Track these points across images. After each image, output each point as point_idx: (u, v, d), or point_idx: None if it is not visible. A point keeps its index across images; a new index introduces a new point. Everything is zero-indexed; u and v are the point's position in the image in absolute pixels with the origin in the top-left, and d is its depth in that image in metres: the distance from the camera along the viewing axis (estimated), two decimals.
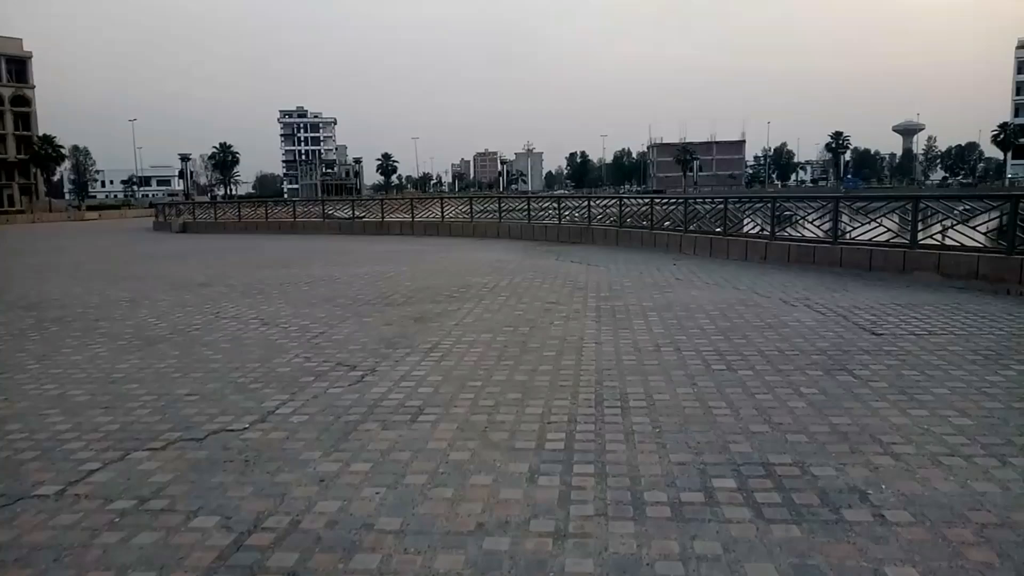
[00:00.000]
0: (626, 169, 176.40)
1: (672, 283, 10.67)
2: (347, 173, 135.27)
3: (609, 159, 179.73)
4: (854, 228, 11.24)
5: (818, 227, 12.42)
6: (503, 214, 22.24)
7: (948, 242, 10.00)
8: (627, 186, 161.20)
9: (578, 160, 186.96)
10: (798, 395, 4.87)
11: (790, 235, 12.57)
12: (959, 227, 10.28)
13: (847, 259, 11.05)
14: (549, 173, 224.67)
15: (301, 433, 4.38)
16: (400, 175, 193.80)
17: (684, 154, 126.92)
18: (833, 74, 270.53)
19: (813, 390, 4.98)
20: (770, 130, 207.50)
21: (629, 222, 17.57)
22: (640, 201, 17.92)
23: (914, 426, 4.21)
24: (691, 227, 15.24)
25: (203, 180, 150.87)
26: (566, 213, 20.37)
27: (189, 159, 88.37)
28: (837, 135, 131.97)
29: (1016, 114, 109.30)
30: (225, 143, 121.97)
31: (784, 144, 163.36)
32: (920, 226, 10.42)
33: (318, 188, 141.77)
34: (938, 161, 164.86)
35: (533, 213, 21.61)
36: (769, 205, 13.11)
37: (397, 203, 27.44)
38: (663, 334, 6.98)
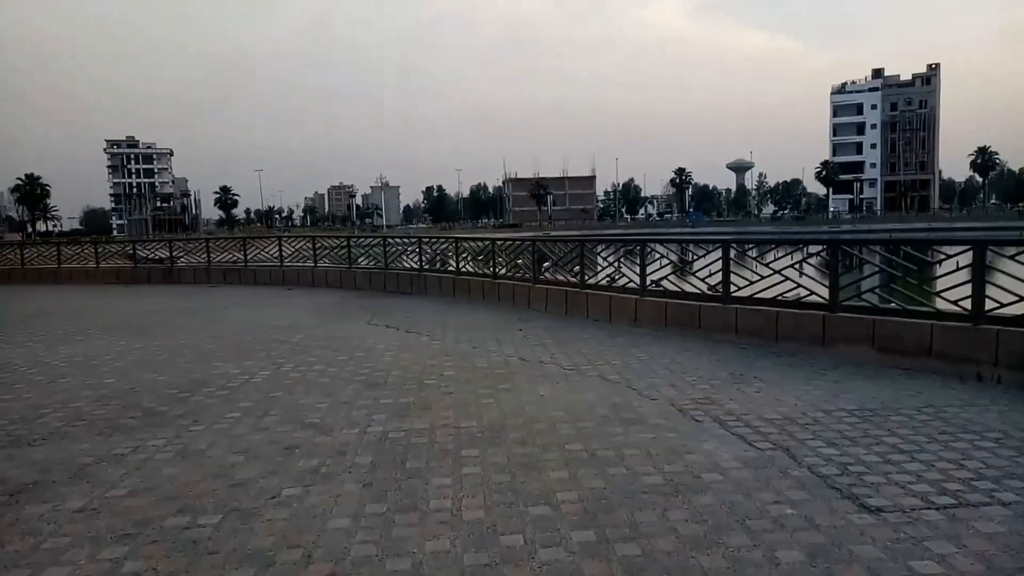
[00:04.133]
0: (483, 203, 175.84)
1: (514, 368, 7.32)
2: (181, 208, 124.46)
3: (466, 193, 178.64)
4: (751, 282, 8.41)
5: (687, 273, 9.61)
6: (320, 256, 18.21)
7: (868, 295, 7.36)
8: (485, 220, 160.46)
9: (435, 194, 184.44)
10: None
11: (665, 288, 9.68)
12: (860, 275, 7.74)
13: (744, 324, 8.23)
14: (407, 207, 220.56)
15: None
16: (248, 209, 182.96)
17: (538, 189, 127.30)
18: (674, 114, 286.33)
19: None
20: (618, 166, 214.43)
21: (468, 269, 14.23)
22: (480, 243, 14.67)
23: None
24: (542, 275, 12.12)
25: (16, 216, 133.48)
26: (398, 253, 16.64)
27: None
28: (680, 171, 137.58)
29: (834, 153, 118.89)
30: (32, 174, 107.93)
31: (632, 179, 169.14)
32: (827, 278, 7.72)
33: (148, 224, 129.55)
34: (768, 196, 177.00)
35: (356, 254, 17.79)
36: (637, 249, 10.19)
37: (197, 243, 22.53)
38: (480, 526, 3.51)
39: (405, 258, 16.06)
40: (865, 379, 6.40)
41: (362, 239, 18.48)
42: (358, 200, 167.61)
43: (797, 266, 8.06)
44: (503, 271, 13.37)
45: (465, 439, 4.97)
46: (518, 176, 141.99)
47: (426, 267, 15.27)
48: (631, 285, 10.14)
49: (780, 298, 8.02)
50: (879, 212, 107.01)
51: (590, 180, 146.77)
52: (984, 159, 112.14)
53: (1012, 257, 6.14)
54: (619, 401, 5.86)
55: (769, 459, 4.40)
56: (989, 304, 6.26)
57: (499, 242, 13.98)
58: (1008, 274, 6.21)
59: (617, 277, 10.67)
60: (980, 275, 6.22)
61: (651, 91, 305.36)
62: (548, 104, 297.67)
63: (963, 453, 4.41)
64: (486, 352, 8.21)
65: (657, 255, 10.07)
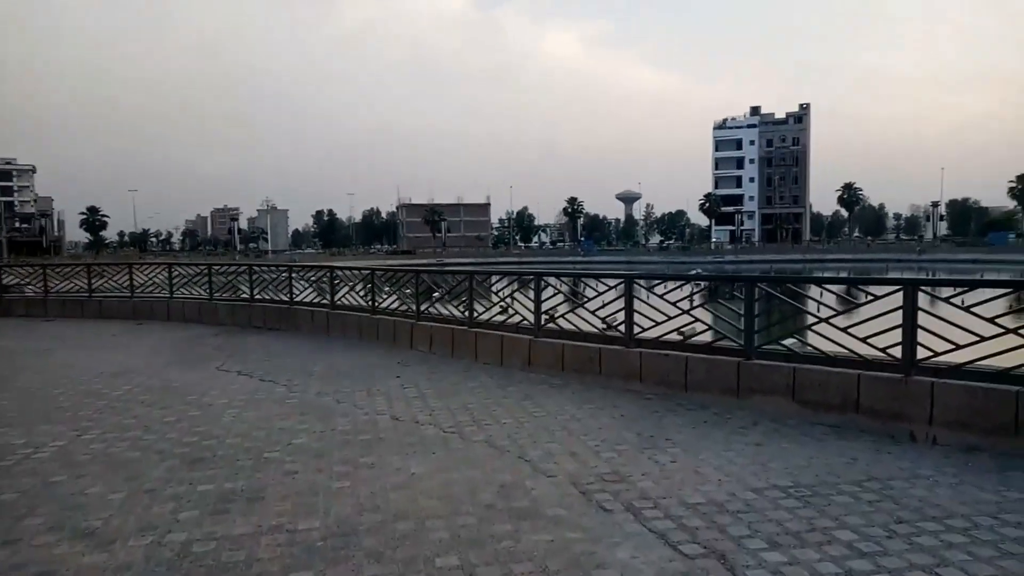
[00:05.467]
0: (376, 229, 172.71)
1: (384, 430, 6.02)
2: (40, 229, 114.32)
3: (359, 218, 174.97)
4: (656, 323, 7.49)
5: (595, 315, 8.64)
6: (177, 287, 16.13)
7: (796, 343, 6.61)
8: (378, 246, 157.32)
9: (325, 219, 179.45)
10: None
11: (562, 328, 8.66)
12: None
13: (650, 370, 7.30)
14: (296, 231, 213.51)
15: None
16: (122, 232, 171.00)
17: (433, 215, 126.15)
18: (566, 144, 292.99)
19: None
20: (512, 194, 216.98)
21: (345, 302, 12.74)
22: (357, 272, 13.23)
23: None
24: (426, 309, 10.85)
25: None
26: (267, 283, 14.88)
27: None
28: (572, 200, 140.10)
29: (716, 186, 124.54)
30: None
31: (526, 208, 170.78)
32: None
33: (3, 247, 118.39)
34: (655, 226, 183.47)
35: (228, 283, 15.84)
36: (532, 282, 9.10)
37: (33, 269, 19.71)
38: None
39: (272, 289, 14.36)
40: (790, 441, 5.55)
41: (226, 267, 16.48)
42: (242, 223, 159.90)
43: (708, 306, 7.23)
44: (384, 305, 12.01)
45: (299, 552, 3.64)
46: (412, 202, 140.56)
47: (297, 300, 13.65)
48: (525, 324, 9.07)
49: (689, 341, 7.15)
50: (757, 243, 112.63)
51: (485, 207, 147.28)
52: (850, 194, 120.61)
53: (947, 300, 5.48)
54: (509, 480, 4.69)
55: (702, 573, 3.34)
56: (921, 352, 5.57)
57: (379, 272, 12.61)
58: (940, 318, 5.54)
59: (511, 314, 9.57)
60: (911, 320, 5.53)
61: (544, 121, 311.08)
62: (443, 131, 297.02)
63: (934, 555, 3.52)
64: (352, 408, 6.85)
65: (554, 291, 9.06)
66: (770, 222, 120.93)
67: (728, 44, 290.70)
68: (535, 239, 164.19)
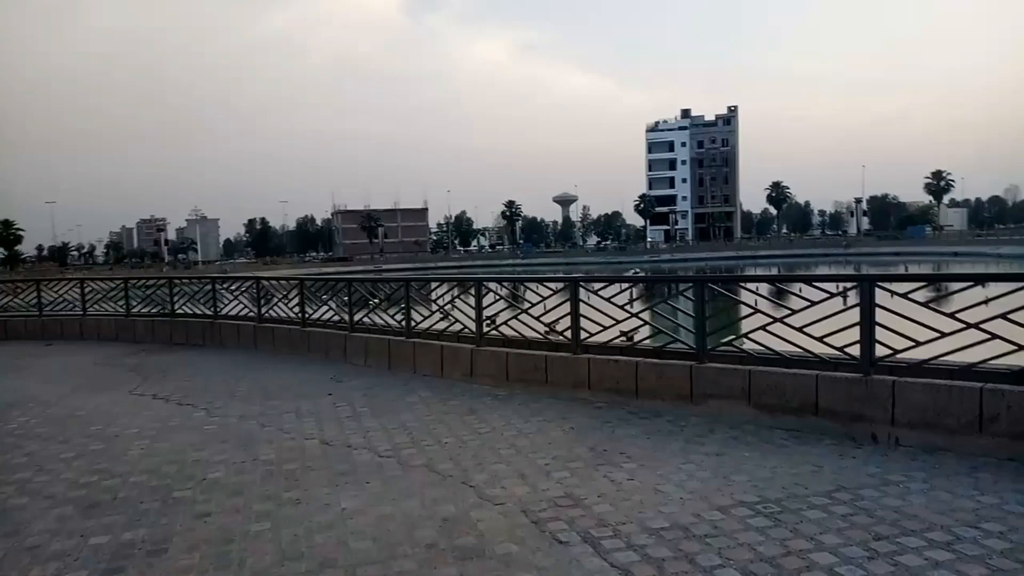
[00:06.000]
0: (311, 236, 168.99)
1: (312, 458, 5.45)
2: None
3: (292, 226, 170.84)
4: (598, 330, 7.11)
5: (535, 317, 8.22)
6: (92, 303, 15.01)
7: (750, 344, 6.33)
8: (313, 254, 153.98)
9: (258, 227, 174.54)
10: None
11: (506, 336, 8.21)
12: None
13: (599, 377, 6.92)
14: (228, 241, 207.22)
15: None
16: (41, 246, 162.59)
17: (369, 221, 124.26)
18: (502, 148, 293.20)
19: None
20: (450, 199, 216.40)
21: (273, 314, 12.00)
22: (286, 282, 12.53)
23: None
24: (361, 320, 10.24)
25: None
26: (189, 296, 13.97)
27: None
28: (510, 204, 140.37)
29: (650, 187, 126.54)
30: None
31: (464, 212, 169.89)
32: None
33: None
34: (592, 227, 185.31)
35: (136, 297, 14.82)
36: (472, 288, 8.63)
37: None
38: None
39: (196, 303, 13.48)
40: (751, 449, 5.23)
41: (145, 281, 15.45)
42: (170, 234, 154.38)
43: (656, 308, 6.91)
44: (316, 316, 11.34)
45: None
46: (348, 208, 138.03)
47: (222, 313, 12.81)
48: (466, 332, 8.59)
49: (638, 346, 6.81)
50: (691, 242, 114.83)
51: (422, 212, 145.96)
52: (778, 193, 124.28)
53: (905, 295, 5.26)
54: (452, 512, 4.20)
55: None
56: (880, 350, 5.34)
57: (310, 282, 11.92)
58: (899, 314, 5.33)
59: (452, 321, 9.07)
60: (870, 316, 5.29)
61: (480, 126, 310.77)
62: (378, 136, 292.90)
63: None
64: (278, 433, 6.25)
65: (496, 297, 8.61)
66: (703, 221, 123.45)
67: (657, 50, 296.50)
68: (474, 243, 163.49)
